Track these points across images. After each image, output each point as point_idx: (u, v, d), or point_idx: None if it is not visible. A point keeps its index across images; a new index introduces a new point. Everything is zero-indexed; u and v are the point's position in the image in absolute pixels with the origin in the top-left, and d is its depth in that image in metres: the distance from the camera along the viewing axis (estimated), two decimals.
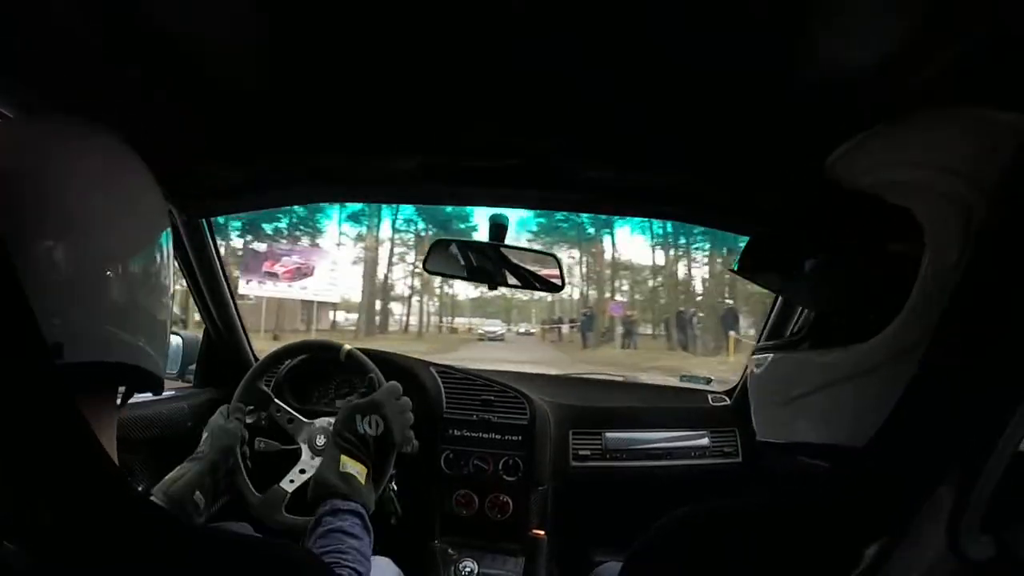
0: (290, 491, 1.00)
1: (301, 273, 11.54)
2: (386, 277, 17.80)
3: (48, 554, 0.34)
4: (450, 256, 1.18)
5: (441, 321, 20.07)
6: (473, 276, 1.18)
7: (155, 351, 0.51)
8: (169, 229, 0.55)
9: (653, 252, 17.26)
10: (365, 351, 1.16)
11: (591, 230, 17.48)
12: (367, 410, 0.83)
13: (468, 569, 1.19)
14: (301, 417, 1.08)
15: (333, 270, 12.04)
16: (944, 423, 0.38)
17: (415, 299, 18.77)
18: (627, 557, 0.55)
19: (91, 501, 0.36)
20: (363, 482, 0.76)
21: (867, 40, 0.52)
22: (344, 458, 0.77)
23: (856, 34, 0.52)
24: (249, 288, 11.28)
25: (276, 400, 1.09)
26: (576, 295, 18.08)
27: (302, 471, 1.02)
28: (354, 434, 0.80)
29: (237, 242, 13.82)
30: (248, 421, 1.11)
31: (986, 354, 0.36)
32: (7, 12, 0.53)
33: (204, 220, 1.17)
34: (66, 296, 0.43)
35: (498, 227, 1.13)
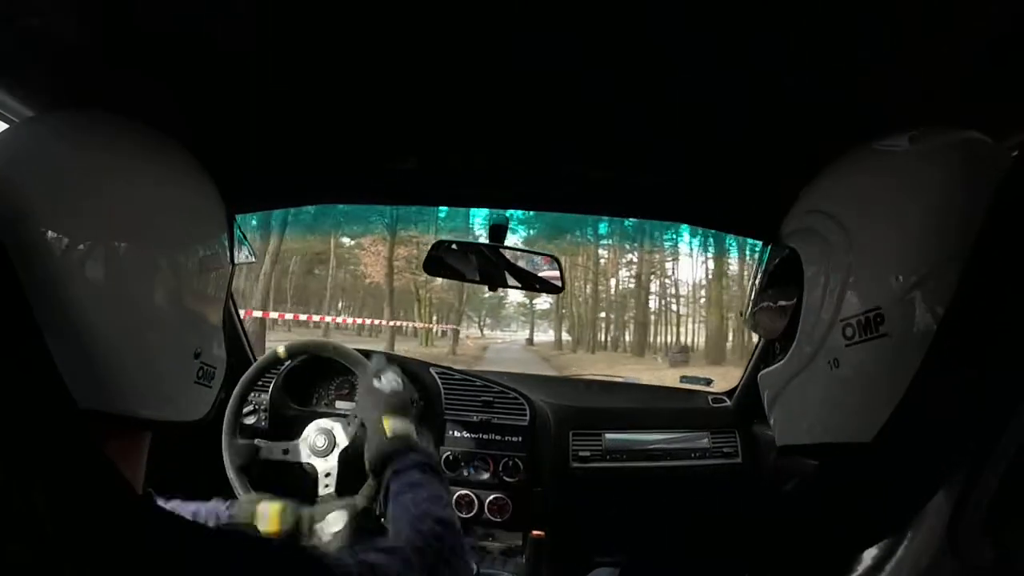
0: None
1: None
2: None
3: (49, 555, 0.34)
4: (451, 257, 1.18)
5: None
6: (474, 277, 1.19)
7: (185, 400, 0.49)
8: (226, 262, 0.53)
9: None
10: (364, 352, 1.16)
11: None
12: (378, 372, 0.82)
13: None
14: (304, 416, 1.08)
15: None
16: (944, 425, 0.38)
17: None
18: (623, 567, 0.57)
19: (92, 502, 0.36)
20: (414, 436, 0.75)
21: (867, 41, 0.52)
22: (385, 419, 0.74)
23: (856, 35, 0.52)
24: None
25: (275, 402, 1.09)
26: None
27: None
28: (383, 395, 0.79)
29: None
30: (248, 422, 1.11)
31: (985, 357, 0.36)
32: (7, 13, 0.53)
33: None
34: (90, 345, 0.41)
35: (498, 228, 1.13)
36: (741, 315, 0.67)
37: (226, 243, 0.55)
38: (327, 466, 1.02)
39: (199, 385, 0.51)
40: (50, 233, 0.41)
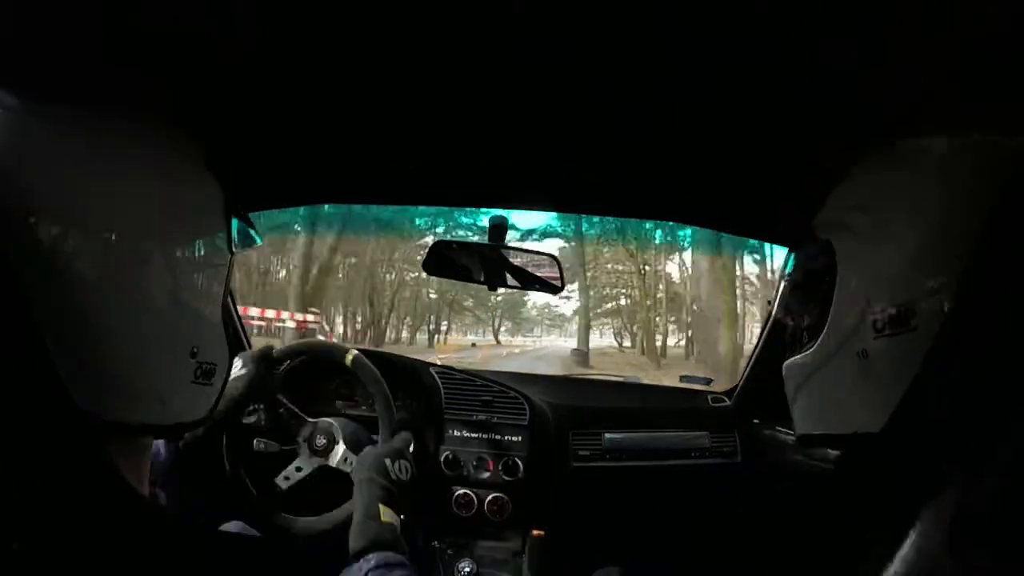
0: (285, 488, 1.00)
1: None
2: None
3: (52, 554, 0.34)
4: (450, 257, 1.18)
5: None
6: (473, 277, 1.19)
7: (175, 397, 0.48)
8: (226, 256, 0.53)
9: None
10: (365, 352, 1.16)
11: None
12: (395, 456, 0.83)
13: (467, 570, 1.19)
14: (304, 416, 1.08)
15: None
16: (946, 425, 0.38)
17: None
18: (623, 567, 0.57)
19: (94, 501, 0.36)
20: (399, 532, 0.74)
21: (867, 40, 0.52)
22: (382, 507, 0.75)
23: (856, 34, 0.52)
24: None
25: (280, 396, 1.09)
26: None
27: (298, 468, 1.02)
28: (387, 479, 0.79)
29: None
30: (247, 421, 1.11)
31: (987, 356, 0.36)
32: (7, 13, 0.53)
33: None
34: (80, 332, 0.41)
35: (498, 228, 1.13)
36: (769, 304, 0.68)
37: (224, 235, 0.55)
38: (306, 463, 1.03)
39: (197, 385, 0.49)
40: (48, 229, 0.41)
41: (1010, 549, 0.33)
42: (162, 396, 0.46)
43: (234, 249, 0.57)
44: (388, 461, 0.81)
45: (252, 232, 0.64)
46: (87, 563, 0.34)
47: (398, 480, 0.80)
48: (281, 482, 1.01)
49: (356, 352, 1.12)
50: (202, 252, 0.50)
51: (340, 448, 1.04)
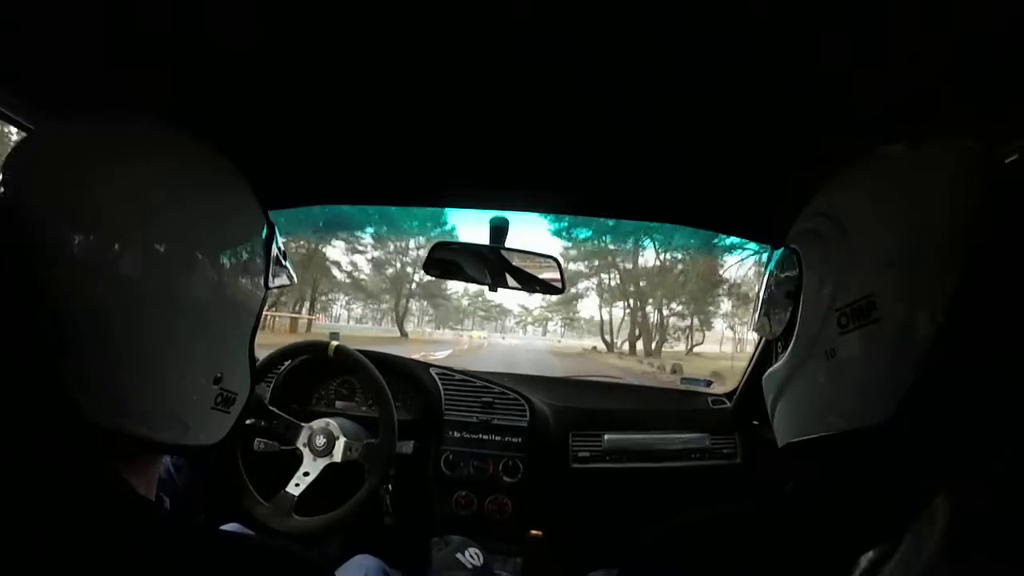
0: (297, 495, 1.00)
1: None
2: None
3: (54, 554, 0.34)
4: (451, 258, 1.18)
5: None
6: (474, 278, 1.19)
7: (201, 421, 0.46)
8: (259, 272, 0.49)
9: None
10: (364, 353, 1.16)
11: None
12: (463, 546, 0.84)
13: None
14: (298, 422, 1.08)
15: None
16: (942, 428, 0.38)
17: None
18: (621, 568, 0.57)
19: (96, 502, 0.36)
20: None
21: (867, 41, 0.52)
22: None
23: (856, 34, 0.52)
24: None
25: (271, 408, 1.09)
26: None
27: (306, 473, 1.02)
28: (465, 571, 0.81)
29: None
30: (247, 421, 1.12)
31: (983, 360, 0.36)
32: (8, 14, 0.53)
33: None
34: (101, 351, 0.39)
35: (499, 229, 1.13)
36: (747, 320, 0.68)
37: (262, 264, 0.51)
38: (312, 467, 1.03)
39: (216, 411, 0.48)
40: (76, 239, 0.39)
41: (1005, 552, 0.33)
42: (180, 417, 0.45)
43: (270, 283, 0.53)
44: (459, 554, 0.82)
45: (287, 264, 0.60)
46: (87, 565, 0.34)
47: (473, 568, 0.81)
48: (293, 490, 1.01)
49: (337, 343, 1.13)
50: (239, 273, 0.47)
51: (341, 442, 1.04)
